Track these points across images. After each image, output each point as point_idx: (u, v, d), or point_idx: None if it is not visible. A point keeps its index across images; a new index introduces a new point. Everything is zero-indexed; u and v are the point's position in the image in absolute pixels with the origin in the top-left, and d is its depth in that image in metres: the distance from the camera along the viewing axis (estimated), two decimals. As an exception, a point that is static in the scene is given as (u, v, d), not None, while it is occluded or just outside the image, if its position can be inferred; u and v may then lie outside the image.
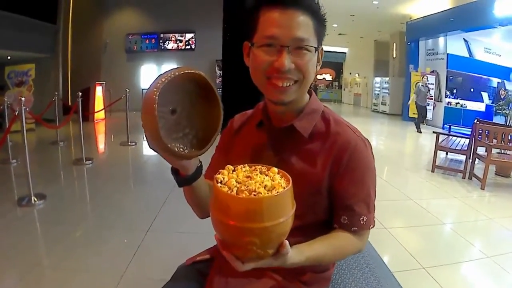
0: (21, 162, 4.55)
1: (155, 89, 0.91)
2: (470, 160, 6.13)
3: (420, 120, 12.03)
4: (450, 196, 5.19)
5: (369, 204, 1.22)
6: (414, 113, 13.84)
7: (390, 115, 17.28)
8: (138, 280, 2.82)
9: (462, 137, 7.15)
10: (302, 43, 1.11)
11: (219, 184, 0.94)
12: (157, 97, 0.91)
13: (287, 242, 0.94)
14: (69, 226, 3.72)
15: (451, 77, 12.45)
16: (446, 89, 12.60)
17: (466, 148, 6.22)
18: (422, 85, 11.98)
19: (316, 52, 1.16)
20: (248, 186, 0.91)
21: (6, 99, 4.35)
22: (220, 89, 11.22)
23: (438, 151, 6.53)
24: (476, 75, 11.72)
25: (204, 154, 1.06)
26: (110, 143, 9.16)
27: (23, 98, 4.38)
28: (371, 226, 1.23)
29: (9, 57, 10.23)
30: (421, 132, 11.52)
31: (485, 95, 11.48)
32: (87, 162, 6.28)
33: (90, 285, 2.75)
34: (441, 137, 6.80)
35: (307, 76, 1.15)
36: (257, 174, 0.99)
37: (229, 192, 0.90)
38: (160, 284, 1.32)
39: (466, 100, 11.95)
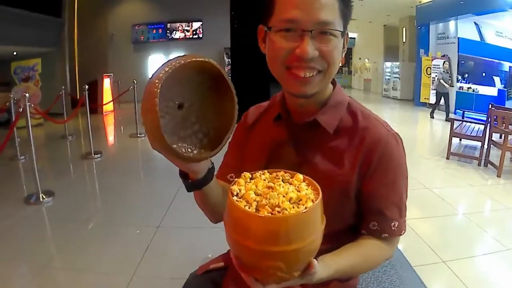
0: (29, 158, 4.51)
1: (157, 81, 0.78)
2: (486, 147, 5.98)
3: (435, 107, 11.63)
4: (467, 184, 5.07)
5: (401, 208, 1.11)
6: (426, 98, 13.71)
7: (401, 100, 17.02)
8: (149, 279, 2.77)
9: (476, 123, 6.98)
10: (327, 27, 0.96)
11: (235, 198, 0.82)
12: (158, 90, 0.77)
13: (315, 261, 0.84)
14: (78, 224, 3.68)
15: (462, 62, 12.19)
16: (457, 73, 12.37)
17: (481, 135, 6.06)
18: (444, 71, 11.59)
19: (342, 37, 1.02)
20: (270, 200, 0.79)
21: (12, 95, 4.28)
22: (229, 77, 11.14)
23: (453, 138, 6.39)
24: (487, 59, 11.48)
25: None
26: (119, 135, 9.12)
27: (27, 94, 4.30)
28: (403, 232, 1.11)
29: (15, 53, 10.20)
30: (433, 118, 11.30)
31: (497, 79, 11.25)
32: (95, 155, 6.25)
33: (101, 285, 2.70)
34: (456, 123, 6.65)
35: (332, 65, 1.01)
36: (279, 184, 0.86)
37: (247, 208, 0.78)
38: (171, 283, 1.24)
39: (478, 84, 11.71)
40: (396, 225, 1.09)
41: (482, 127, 6.35)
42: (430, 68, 13.28)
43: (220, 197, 1.12)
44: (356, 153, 1.07)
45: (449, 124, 6.64)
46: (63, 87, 8.68)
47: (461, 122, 7.14)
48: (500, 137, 6.04)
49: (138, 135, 7.98)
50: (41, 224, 3.78)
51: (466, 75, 12.12)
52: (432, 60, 13.17)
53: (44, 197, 4.23)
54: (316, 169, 1.07)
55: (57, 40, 11.24)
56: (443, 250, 3.20)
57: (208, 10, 14.67)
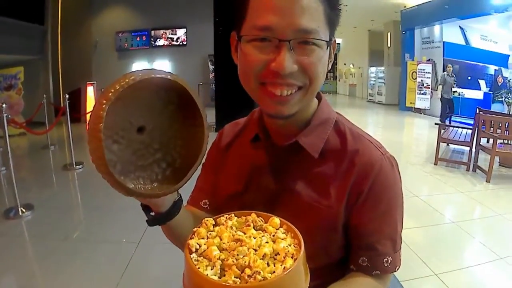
0: (9, 170, 4.34)
1: (104, 101, 0.63)
2: (474, 152, 5.94)
3: (445, 115, 10.88)
4: (456, 190, 5.02)
5: (396, 241, 0.96)
6: (411, 103, 13.74)
7: (387, 105, 17.08)
8: None
9: (463, 127, 6.94)
10: (308, 36, 0.80)
11: (193, 256, 0.69)
12: (105, 113, 0.62)
13: None
14: (57, 240, 3.54)
15: (447, 65, 12.27)
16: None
17: (469, 139, 6.03)
18: (448, 75, 11.24)
19: (328, 46, 0.86)
20: (237, 258, 0.65)
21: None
22: (213, 85, 11.08)
23: (441, 143, 6.35)
24: (473, 62, 11.60)
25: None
26: (103, 146, 8.89)
27: (4, 105, 4.14)
28: (397, 267, 0.97)
29: (-4, 61, 10.00)
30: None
31: (482, 82, 11.34)
32: (77, 166, 6.08)
33: None
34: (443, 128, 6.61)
35: (315, 80, 0.85)
36: (250, 235, 0.72)
37: (209, 270, 0.65)
38: None
39: (464, 88, 11.78)
40: (389, 261, 0.94)
41: (469, 131, 6.32)
42: (416, 72, 13.31)
43: (190, 228, 0.95)
44: (344, 180, 0.92)
45: (434, 128, 6.59)
46: (44, 96, 8.46)
47: (448, 127, 7.10)
48: (488, 141, 6.03)
49: (122, 144, 7.78)
50: (20, 240, 3.64)
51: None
52: (418, 64, 13.21)
53: (23, 211, 4.09)
54: (298, 198, 0.94)
55: (40, 48, 11.06)
56: (434, 262, 3.12)
57: (192, 17, 14.55)
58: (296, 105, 0.87)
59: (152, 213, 0.89)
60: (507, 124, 5.67)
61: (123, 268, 3.03)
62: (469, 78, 11.66)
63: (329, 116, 1.00)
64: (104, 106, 0.62)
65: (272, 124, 1.00)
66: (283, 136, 0.97)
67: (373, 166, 0.92)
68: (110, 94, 0.63)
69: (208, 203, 1.14)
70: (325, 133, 0.97)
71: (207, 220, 0.77)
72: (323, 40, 0.83)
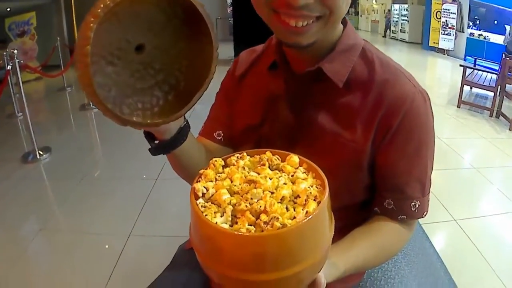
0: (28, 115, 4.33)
1: (91, 19, 0.52)
2: (498, 98, 5.72)
3: None
4: (479, 136, 4.89)
5: (425, 184, 0.88)
6: (434, 43, 13.31)
7: (410, 43, 16.57)
8: (146, 238, 2.71)
9: (489, 71, 6.69)
10: None
11: (200, 202, 0.59)
12: (92, 33, 0.52)
13: (322, 278, 0.62)
14: (74, 181, 3.59)
15: (473, 7, 11.72)
16: (468, 19, 11.93)
17: (493, 85, 5.79)
18: None
19: None
20: (252, 202, 0.56)
21: (6, 52, 4.10)
22: (231, 20, 10.83)
23: (464, 86, 6.14)
24: (500, 7, 11.03)
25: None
26: (119, 84, 8.86)
27: (15, 51, 4.08)
28: (425, 213, 0.90)
29: (8, 9, 9.81)
30: None
31: (508, 28, 10.85)
32: (94, 106, 5.99)
33: (97, 247, 2.65)
34: (467, 71, 6.33)
35: (335, 10, 0.73)
36: (265, 175, 0.61)
37: (219, 217, 0.55)
38: (169, 241, 1.09)
39: (489, 32, 11.29)
40: (417, 205, 0.87)
41: (494, 76, 6.06)
42: (440, 12, 12.78)
43: (202, 160, 0.90)
44: (371, 113, 0.83)
45: (458, 70, 6.34)
46: (58, 38, 8.36)
47: (473, 70, 6.85)
48: (514, 88, 5.82)
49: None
50: (38, 183, 3.68)
51: (477, 22, 11.70)
52: (443, 4, 12.66)
53: (41, 153, 4.11)
54: (320, 132, 0.85)
55: (52, -10, 10.77)
56: (454, 207, 3.08)
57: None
58: (314, 36, 0.77)
59: (156, 141, 0.81)
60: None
61: (142, 204, 3.08)
62: (495, 22, 11.15)
63: (356, 42, 0.89)
64: (91, 25, 0.52)
65: (291, 51, 0.89)
66: (304, 63, 0.87)
67: (405, 99, 0.82)
68: (99, 10, 0.52)
69: (222, 134, 1.04)
70: (351, 61, 0.86)
71: (216, 161, 0.66)
72: None
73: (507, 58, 5.83)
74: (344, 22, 0.89)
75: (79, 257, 2.56)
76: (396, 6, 18.34)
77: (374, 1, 23.90)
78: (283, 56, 0.91)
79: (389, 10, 19.94)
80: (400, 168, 0.86)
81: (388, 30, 19.66)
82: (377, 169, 0.88)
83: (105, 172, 3.85)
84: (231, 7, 11.24)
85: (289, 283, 0.55)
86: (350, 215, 0.92)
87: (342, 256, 0.77)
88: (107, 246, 2.65)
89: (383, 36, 19.79)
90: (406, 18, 17.08)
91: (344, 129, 0.84)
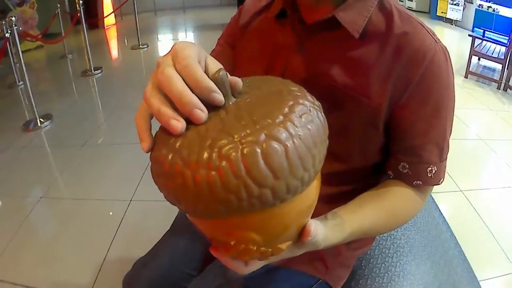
0: (25, 83, 4.27)
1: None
2: (506, 71, 5.61)
3: None
4: (486, 107, 4.81)
5: (443, 148, 0.83)
6: (442, 12, 13.11)
7: (417, 12, 16.34)
8: (146, 204, 2.72)
9: (498, 43, 6.57)
10: None
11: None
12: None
13: (313, 224, 0.57)
14: (76, 147, 3.58)
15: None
16: (478, -10, 11.76)
17: (502, 57, 5.67)
18: None
19: None
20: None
21: (5, 21, 4.02)
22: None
23: (473, 56, 6.01)
24: (511, -20, 10.86)
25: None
26: (121, 48, 8.75)
27: (13, 18, 4.00)
28: (441, 180, 0.84)
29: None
30: None
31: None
32: (95, 72, 5.95)
33: (98, 213, 2.67)
34: (476, 41, 6.21)
35: None
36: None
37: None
38: (170, 207, 1.08)
39: (499, 4, 11.11)
40: (433, 171, 0.81)
41: (503, 49, 5.92)
42: (450, -19, 12.58)
43: None
44: (389, 67, 0.77)
45: (465, 41, 6.21)
46: (58, 5, 8.22)
47: (481, 41, 6.72)
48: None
49: (140, 46, 7.65)
50: (40, 150, 3.67)
51: (487, -6, 11.54)
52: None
53: (42, 121, 4.07)
54: (332, 86, 0.79)
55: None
56: (460, 177, 3.06)
57: None
58: None
59: None
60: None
61: (143, 169, 3.05)
62: (506, -5, 11.00)
63: None
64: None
65: None
66: (316, 11, 0.81)
67: (426, 53, 0.76)
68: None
69: None
70: (368, 10, 0.79)
71: None
72: None
73: (517, 31, 5.72)
74: None
75: (81, 223, 2.57)
76: (404, -27, 18.07)
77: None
78: (293, 4, 0.84)
79: None
80: (418, 129, 0.80)
81: None
82: (392, 129, 0.83)
83: (107, 138, 3.83)
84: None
85: (266, 223, 0.48)
86: (362, 178, 0.88)
87: (349, 217, 0.72)
88: (109, 212, 2.66)
89: None
90: (414, -14, 16.84)
91: (359, 84, 0.78)
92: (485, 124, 4.43)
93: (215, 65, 0.50)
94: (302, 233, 0.56)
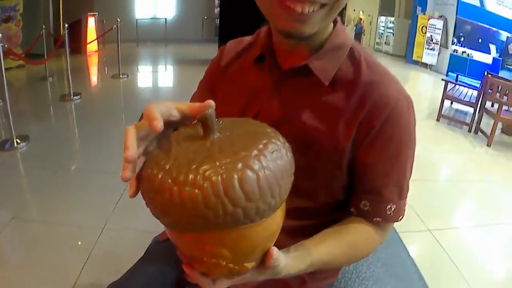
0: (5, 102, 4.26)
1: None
2: (478, 114, 5.83)
3: None
4: (456, 149, 5.00)
5: (402, 188, 0.88)
6: (418, 57, 13.52)
7: (393, 56, 16.83)
8: (119, 231, 2.71)
9: (470, 87, 6.82)
10: None
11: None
12: None
13: (275, 250, 0.64)
14: (51, 171, 3.55)
15: (459, 25, 11.96)
16: (453, 36, 12.17)
17: (474, 101, 5.91)
18: None
19: None
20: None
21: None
22: (217, 20, 10.89)
23: (445, 100, 6.24)
24: (485, 26, 11.27)
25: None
26: (101, 76, 8.82)
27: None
28: (400, 217, 0.90)
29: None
30: None
31: (492, 47, 11.07)
32: (75, 97, 5.99)
33: (70, 238, 2.63)
34: (449, 85, 6.44)
35: None
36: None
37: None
38: (142, 236, 1.09)
39: (473, 50, 11.53)
40: (393, 209, 0.87)
41: (475, 93, 6.18)
42: (426, 27, 13.02)
43: None
44: (354, 113, 0.83)
45: (439, 85, 6.43)
46: (43, 26, 8.23)
47: (454, 85, 6.97)
48: (492, 105, 5.92)
49: (121, 76, 7.72)
50: (14, 171, 3.65)
51: (462, 39, 11.95)
52: (429, 19, 12.91)
53: (18, 142, 4.05)
54: (302, 129, 0.84)
55: (41, -23, 10.61)
56: (428, 218, 3.14)
57: None
58: (318, 24, 0.77)
59: None
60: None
61: (117, 198, 3.05)
62: (480, 40, 11.39)
63: (345, 42, 0.89)
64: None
65: (282, 45, 0.89)
66: (292, 58, 0.87)
67: (389, 101, 0.82)
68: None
69: None
70: (339, 60, 0.86)
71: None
72: None
73: (489, 76, 5.94)
74: (334, 21, 0.89)
75: (52, 248, 2.52)
76: (383, 18, 18.64)
77: (361, 12, 24.18)
78: (271, 50, 0.91)
79: (360, 19, 20.45)
80: (379, 170, 0.86)
81: (358, 41, 20.09)
82: (355, 170, 0.88)
83: (82, 165, 3.82)
84: (218, 8, 11.30)
85: (235, 240, 0.56)
86: (327, 214, 0.92)
87: (311, 250, 0.78)
88: (80, 239, 2.63)
89: None
90: (391, 31, 17.36)
91: (327, 128, 0.84)
92: (455, 165, 4.58)
93: (185, 106, 0.64)
94: (266, 256, 0.62)
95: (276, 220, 0.60)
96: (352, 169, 0.88)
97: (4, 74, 4.05)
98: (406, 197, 0.90)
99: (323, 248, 0.80)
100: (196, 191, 0.49)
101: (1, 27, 8.75)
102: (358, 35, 19.92)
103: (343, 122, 0.83)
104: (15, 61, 7.32)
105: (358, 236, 0.88)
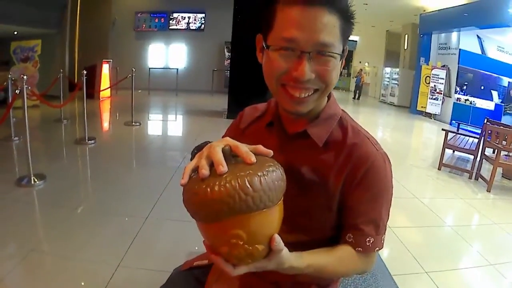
0: (23, 140, 4.48)
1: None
2: (478, 160, 6.02)
3: None
4: (456, 196, 5.11)
5: (379, 226, 1.10)
6: (422, 107, 13.77)
7: (398, 106, 17.12)
8: (134, 270, 2.76)
9: (470, 136, 7.01)
10: (326, 49, 0.95)
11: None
12: None
13: (278, 236, 0.84)
14: (68, 209, 3.67)
15: (462, 73, 12.27)
16: (456, 84, 12.43)
17: (474, 148, 6.11)
18: None
19: (341, 58, 1.01)
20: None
21: (10, 75, 4.26)
22: (227, 72, 11.21)
23: (446, 149, 6.42)
24: (487, 73, 11.53)
25: None
26: (115, 122, 9.11)
27: (25, 77, 4.29)
28: (377, 248, 1.10)
29: (15, 32, 10.14)
30: None
31: (495, 93, 11.30)
32: (89, 141, 6.23)
33: (85, 274, 2.69)
34: (450, 135, 6.66)
35: (329, 84, 1.01)
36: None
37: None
38: (155, 275, 1.24)
39: (476, 97, 11.77)
40: (371, 241, 1.08)
41: (476, 140, 6.39)
42: (429, 77, 13.33)
43: None
44: (342, 168, 1.07)
45: (443, 134, 6.63)
46: (61, 70, 8.61)
47: (455, 134, 7.17)
48: (493, 152, 6.09)
49: (133, 123, 7.99)
50: (31, 207, 3.77)
51: (465, 87, 12.18)
52: (432, 69, 13.22)
53: (36, 180, 4.22)
54: (302, 180, 1.08)
55: (59, 22, 11.15)
56: (426, 261, 3.22)
57: (211, 2, 14.66)
58: (311, 105, 1.05)
59: None
60: (513, 136, 5.72)
61: (130, 241, 3.14)
62: (482, 87, 11.62)
63: (336, 112, 1.15)
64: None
65: (286, 115, 1.14)
66: (294, 125, 1.13)
67: (367, 158, 1.06)
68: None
69: None
70: (330, 127, 1.12)
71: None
72: (337, 54, 0.98)
73: (488, 123, 6.14)
74: (328, 96, 1.14)
75: (67, 282, 2.58)
76: (387, 69, 18.96)
77: (366, 64, 24.64)
78: (278, 118, 1.17)
79: (361, 70, 21.16)
80: (360, 211, 1.07)
81: (358, 92, 20.54)
82: (343, 211, 1.10)
83: (96, 206, 3.89)
84: (229, 60, 11.64)
85: (249, 223, 0.79)
86: (319, 246, 1.11)
87: (308, 254, 0.99)
88: (95, 275, 2.68)
89: (353, 98, 20.59)
90: (396, 82, 17.64)
91: (320, 179, 1.08)
92: (454, 212, 4.69)
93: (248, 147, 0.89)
94: (270, 240, 0.82)
95: (276, 213, 0.83)
96: (340, 211, 1.11)
97: (26, 113, 4.30)
98: (383, 234, 1.11)
99: (317, 255, 1.02)
100: (222, 188, 0.75)
101: (19, 66, 9.11)
102: (358, 86, 20.44)
103: (333, 175, 1.07)
104: (30, 101, 7.65)
105: (346, 254, 1.08)
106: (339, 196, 1.08)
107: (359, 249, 1.08)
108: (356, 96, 20.49)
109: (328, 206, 1.09)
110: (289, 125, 1.14)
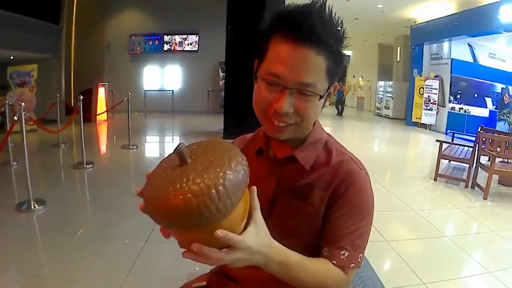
0: (22, 165, 4.52)
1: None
2: (473, 169, 6.06)
3: None
4: (453, 206, 5.12)
5: (354, 240, 1.11)
6: (417, 118, 13.85)
7: (393, 119, 17.24)
8: None
9: (464, 145, 7.06)
10: (307, 89, 1.01)
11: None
12: None
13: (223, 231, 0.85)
14: (68, 234, 3.69)
15: (455, 82, 12.39)
16: (449, 94, 12.55)
17: (469, 157, 6.15)
18: None
19: (324, 96, 1.07)
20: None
21: (7, 100, 4.32)
22: (223, 93, 11.30)
23: (441, 159, 6.47)
24: (480, 80, 11.65)
25: None
26: (112, 145, 9.15)
27: (23, 104, 4.34)
28: (352, 265, 1.11)
29: (11, 57, 10.25)
30: None
31: (488, 100, 11.40)
32: (87, 166, 6.26)
33: None
34: (444, 145, 6.71)
35: (305, 120, 1.08)
36: None
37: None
38: None
39: (470, 105, 11.88)
40: (345, 255, 1.09)
41: (470, 149, 6.45)
42: (423, 88, 13.43)
43: None
44: (327, 187, 1.13)
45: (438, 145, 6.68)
46: (58, 95, 8.69)
47: (449, 144, 7.24)
48: (488, 159, 6.14)
49: (131, 146, 8.02)
50: (31, 232, 3.80)
51: (458, 96, 12.28)
52: (425, 80, 13.34)
53: (36, 205, 4.25)
54: (290, 201, 1.14)
55: (54, 47, 11.30)
56: (425, 272, 3.23)
57: (205, 23, 14.82)
58: (289, 135, 1.11)
59: None
60: (507, 143, 5.79)
61: (130, 264, 3.15)
62: (476, 95, 11.73)
63: (321, 137, 1.21)
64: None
65: (274, 141, 1.19)
66: (283, 150, 1.18)
67: (350, 176, 1.12)
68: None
69: None
70: (316, 150, 1.18)
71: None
72: (317, 94, 1.04)
73: (482, 131, 6.20)
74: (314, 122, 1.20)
75: None
76: (381, 83, 19.09)
77: (360, 78, 24.82)
78: (267, 144, 1.22)
79: (341, 83, 20.38)
80: (338, 225, 1.11)
81: (340, 107, 19.67)
82: (324, 226, 1.14)
83: (96, 230, 3.91)
84: (223, 80, 11.73)
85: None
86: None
87: (286, 250, 1.00)
88: None
89: (337, 114, 19.40)
90: (390, 95, 17.76)
91: (307, 199, 1.14)
92: (452, 222, 4.70)
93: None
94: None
95: (239, 210, 0.87)
96: (323, 227, 1.15)
97: (25, 139, 4.36)
98: (360, 251, 1.13)
99: (296, 257, 1.03)
100: (188, 195, 0.78)
101: (16, 90, 9.18)
102: (340, 100, 19.71)
103: (319, 194, 1.13)
104: (28, 125, 7.72)
105: (323, 263, 1.10)
106: (323, 212, 1.13)
107: (334, 261, 1.10)
108: (338, 112, 19.55)
109: (313, 223, 1.14)
110: (278, 151, 1.20)
